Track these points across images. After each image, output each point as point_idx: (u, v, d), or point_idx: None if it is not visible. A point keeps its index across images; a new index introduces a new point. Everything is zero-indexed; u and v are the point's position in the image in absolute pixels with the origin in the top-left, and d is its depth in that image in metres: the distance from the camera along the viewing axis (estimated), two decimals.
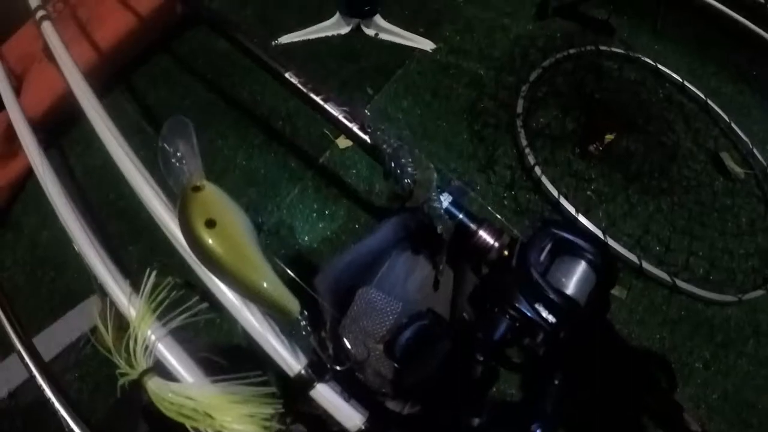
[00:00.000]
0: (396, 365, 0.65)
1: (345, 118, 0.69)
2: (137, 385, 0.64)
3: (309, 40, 1.26)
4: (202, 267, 0.54)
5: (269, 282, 0.52)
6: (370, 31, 1.27)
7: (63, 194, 0.62)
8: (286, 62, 0.76)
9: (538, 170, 1.00)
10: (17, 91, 1.23)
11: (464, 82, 1.14)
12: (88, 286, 1.03)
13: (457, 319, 0.68)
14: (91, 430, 0.57)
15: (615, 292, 0.98)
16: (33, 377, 0.58)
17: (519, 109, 1.06)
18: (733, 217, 1.09)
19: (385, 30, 1.25)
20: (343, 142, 1.06)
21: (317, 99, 0.71)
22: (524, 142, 1.02)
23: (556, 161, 1.06)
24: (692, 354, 0.97)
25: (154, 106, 1.25)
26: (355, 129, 0.69)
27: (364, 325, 0.67)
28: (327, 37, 1.27)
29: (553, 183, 1.02)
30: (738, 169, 1.14)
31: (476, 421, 0.59)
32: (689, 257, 1.02)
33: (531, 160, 1.01)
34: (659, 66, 1.25)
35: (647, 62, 1.25)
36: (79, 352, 0.95)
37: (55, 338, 0.96)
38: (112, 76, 1.24)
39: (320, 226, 1.01)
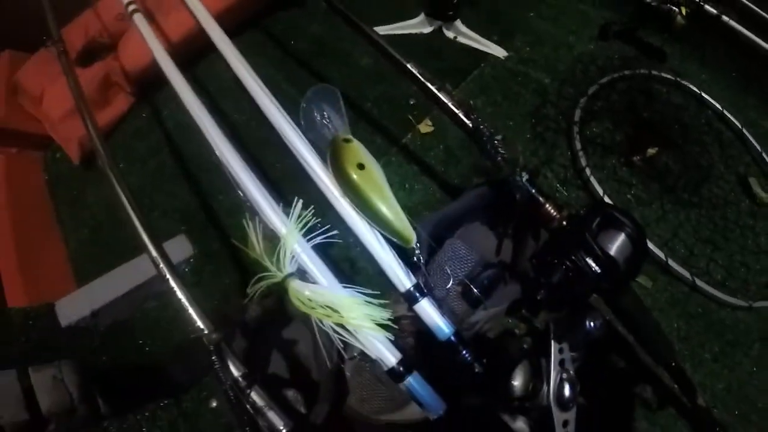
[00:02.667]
0: (469, 304, 0.85)
1: (453, 105, 0.89)
2: (272, 295, 0.83)
3: (394, 35, 1.44)
4: (340, 201, 0.74)
5: (398, 215, 0.71)
6: (450, 34, 1.43)
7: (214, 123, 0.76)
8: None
9: (588, 171, 1.15)
10: (114, 46, 1.41)
11: (531, 88, 1.30)
12: (174, 226, 1.22)
13: (519, 273, 0.87)
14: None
15: (642, 281, 1.16)
16: (164, 276, 0.72)
17: (576, 118, 1.22)
18: (754, 236, 1.23)
19: (463, 34, 1.42)
20: (424, 128, 1.22)
21: (432, 87, 0.90)
22: (578, 146, 1.18)
23: (604, 166, 1.20)
24: (703, 347, 1.12)
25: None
26: (461, 114, 0.88)
27: (448, 268, 0.86)
28: (411, 34, 1.44)
29: (599, 184, 1.17)
30: (763, 194, 1.28)
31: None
32: (709, 263, 1.17)
33: (583, 162, 1.16)
34: (703, 94, 1.38)
35: (693, 89, 1.38)
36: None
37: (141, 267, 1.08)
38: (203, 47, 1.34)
39: (400, 196, 1.14)
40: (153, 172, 1.27)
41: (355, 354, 0.84)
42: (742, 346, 1.13)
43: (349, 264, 1.04)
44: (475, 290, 0.81)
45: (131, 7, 0.94)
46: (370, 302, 0.66)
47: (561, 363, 0.68)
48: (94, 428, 0.94)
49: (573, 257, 0.76)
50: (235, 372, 0.68)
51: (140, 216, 0.79)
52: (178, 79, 0.82)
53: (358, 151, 0.74)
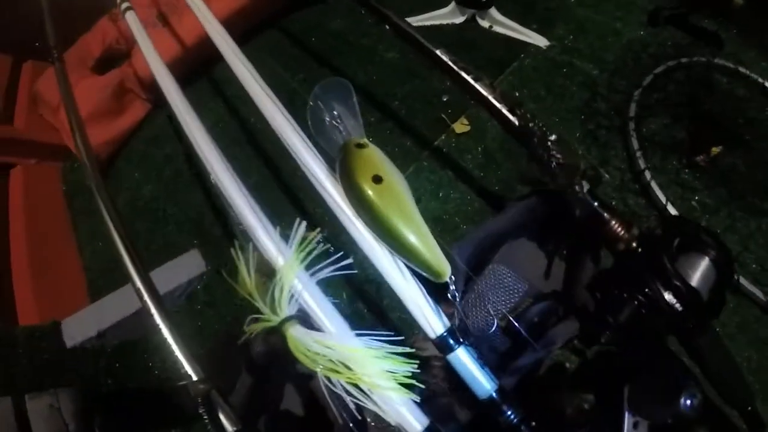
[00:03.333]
0: (514, 342, 0.65)
1: (494, 98, 0.68)
2: (277, 332, 0.65)
3: (423, 26, 1.24)
4: (354, 222, 0.54)
5: (426, 242, 0.52)
6: (484, 23, 1.23)
7: (205, 133, 0.61)
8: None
9: (647, 174, 0.94)
10: (129, 52, 1.27)
11: (577, 81, 1.09)
12: (186, 240, 1.06)
13: (577, 307, 0.67)
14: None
15: None
16: (149, 311, 0.60)
17: (631, 113, 1.00)
18: None
19: (499, 23, 1.21)
20: (460, 128, 1.02)
21: (467, 77, 0.69)
22: (635, 146, 0.96)
23: (664, 169, 0.99)
24: None
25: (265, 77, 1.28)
26: (504, 110, 0.67)
27: (490, 299, 0.66)
28: (441, 24, 1.24)
29: (660, 189, 0.95)
30: None
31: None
32: None
33: (641, 164, 0.95)
34: (767, 83, 1.15)
35: (756, 79, 1.13)
36: (177, 300, 0.96)
37: (158, 279, 1.00)
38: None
39: (433, 205, 0.98)
40: (168, 182, 1.14)
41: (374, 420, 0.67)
42: None
43: (375, 286, 0.85)
44: (523, 327, 0.61)
45: (124, 5, 0.78)
46: (391, 353, 0.47)
47: None
48: None
49: (647, 290, 0.55)
50: (229, 429, 0.50)
51: (127, 243, 0.63)
52: (167, 82, 0.65)
53: (374, 158, 0.54)
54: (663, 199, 0.94)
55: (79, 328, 0.92)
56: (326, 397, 0.58)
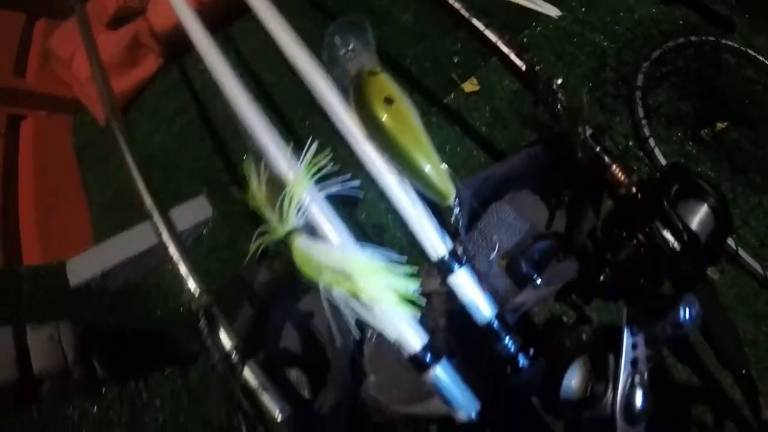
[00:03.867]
0: (515, 282, 0.65)
1: (503, 43, 0.68)
2: (281, 258, 0.65)
3: None
4: (362, 145, 0.55)
5: (434, 163, 0.52)
6: None
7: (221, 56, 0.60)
8: None
9: (652, 142, 0.94)
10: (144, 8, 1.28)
11: (587, 51, 1.09)
12: (195, 188, 1.06)
13: (577, 249, 0.67)
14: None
15: (708, 271, 0.93)
16: (163, 243, 0.59)
17: (638, 83, 1.00)
18: None
19: None
20: (469, 87, 1.03)
21: (478, 24, 0.70)
22: (641, 114, 0.96)
23: (669, 139, 0.99)
24: None
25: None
26: (512, 55, 0.67)
27: (494, 238, 0.66)
28: None
29: (663, 157, 0.95)
30: None
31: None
32: None
33: (646, 132, 0.95)
34: None
35: (765, 62, 1.14)
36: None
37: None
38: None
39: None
40: (179, 133, 1.14)
41: (374, 335, 0.67)
42: None
43: (379, 231, 0.85)
44: (524, 265, 0.61)
45: None
46: (393, 269, 0.47)
47: (633, 362, 0.48)
48: (90, 393, 0.80)
49: (647, 229, 0.55)
50: (227, 344, 0.51)
51: (143, 170, 0.63)
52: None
53: (385, 83, 0.54)
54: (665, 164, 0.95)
55: (84, 267, 0.92)
56: (328, 317, 0.58)
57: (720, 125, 1.03)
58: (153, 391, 0.82)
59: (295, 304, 0.72)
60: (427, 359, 0.49)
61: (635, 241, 0.56)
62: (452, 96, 1.02)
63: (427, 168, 0.51)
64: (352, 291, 0.47)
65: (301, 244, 0.48)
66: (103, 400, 0.81)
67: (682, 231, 0.54)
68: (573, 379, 0.51)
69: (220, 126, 1.09)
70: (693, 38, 1.11)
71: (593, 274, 0.59)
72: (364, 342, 0.68)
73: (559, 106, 0.64)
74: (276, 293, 0.66)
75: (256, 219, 0.99)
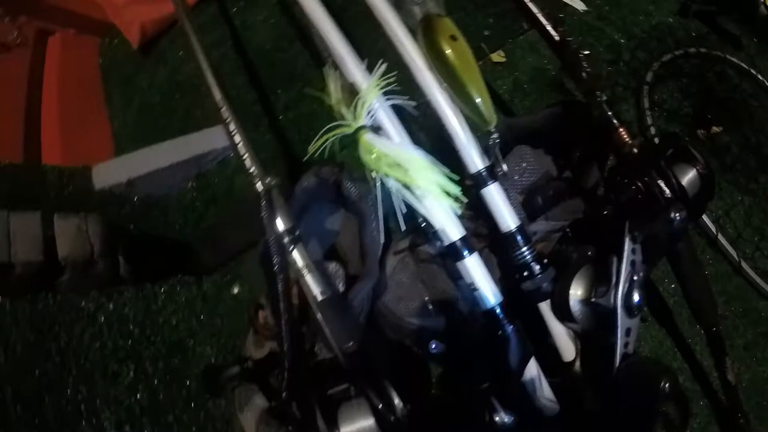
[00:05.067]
0: (529, 214, 0.78)
1: (542, 15, 0.82)
2: (330, 164, 0.75)
3: None
4: (423, 72, 0.67)
5: (484, 93, 0.65)
6: None
7: None
8: None
9: (652, 131, 1.09)
10: None
11: (605, 44, 1.24)
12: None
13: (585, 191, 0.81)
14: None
15: None
16: (227, 120, 0.67)
17: (647, 79, 1.15)
18: None
19: None
20: (496, 57, 1.16)
21: None
22: (646, 105, 1.12)
23: (667, 131, 1.13)
24: (737, 330, 1.05)
25: None
26: (549, 27, 0.82)
27: (515, 176, 0.79)
28: None
29: None
30: None
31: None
32: (756, 251, 1.11)
33: (648, 120, 1.10)
34: None
35: (765, 83, 1.32)
36: (208, 164, 1.03)
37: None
38: None
39: None
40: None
41: (403, 248, 0.78)
42: None
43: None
44: (539, 200, 0.75)
45: None
46: (445, 174, 0.60)
47: (633, 264, 0.61)
48: (110, 287, 0.88)
49: (645, 179, 0.70)
50: (282, 225, 0.61)
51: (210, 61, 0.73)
52: None
53: (450, 24, 0.69)
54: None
55: (110, 173, 0.99)
56: (374, 209, 0.70)
57: (715, 129, 1.20)
58: (169, 295, 0.91)
59: (327, 217, 0.83)
60: (463, 250, 0.61)
61: (634, 188, 0.71)
62: (480, 63, 1.12)
63: (479, 97, 0.65)
64: (406, 182, 0.59)
65: (368, 138, 0.60)
66: (120, 297, 0.88)
67: (674, 184, 0.70)
68: (579, 286, 0.64)
69: (256, 59, 1.17)
70: (703, 49, 1.28)
71: (598, 210, 0.73)
72: (388, 257, 0.79)
73: (583, 73, 0.79)
74: (311, 202, 0.76)
75: (285, 151, 1.09)
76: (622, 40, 1.25)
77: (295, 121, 1.09)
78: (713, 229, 1.05)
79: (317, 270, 0.62)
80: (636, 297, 0.59)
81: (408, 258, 0.77)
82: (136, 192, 0.99)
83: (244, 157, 0.64)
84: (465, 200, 0.61)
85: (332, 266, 0.68)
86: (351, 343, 0.59)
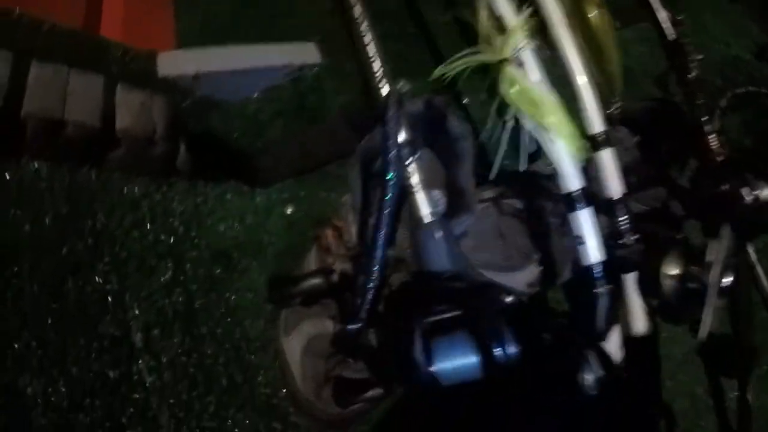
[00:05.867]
0: None
1: (659, 8, 0.87)
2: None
3: None
4: (563, 29, 0.70)
5: (618, 61, 0.69)
6: None
7: None
8: None
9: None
10: None
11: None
12: (304, 35, 1.06)
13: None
14: None
15: None
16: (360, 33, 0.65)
17: (721, 104, 1.22)
18: None
19: None
20: None
21: None
22: (716, 127, 1.17)
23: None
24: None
25: None
26: (667, 23, 0.86)
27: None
28: None
29: None
30: None
31: None
32: None
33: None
34: None
35: None
36: (280, 77, 1.02)
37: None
38: None
39: None
40: None
41: (488, 197, 0.80)
42: None
43: None
44: (635, 179, 0.78)
45: None
46: (576, 127, 0.63)
47: (727, 248, 0.66)
48: (162, 176, 0.85)
49: (730, 183, 0.77)
50: (402, 136, 0.62)
51: None
52: None
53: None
54: None
55: (177, 63, 0.96)
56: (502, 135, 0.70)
57: None
58: (219, 199, 0.88)
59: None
60: (581, 201, 0.64)
61: (720, 189, 0.76)
62: None
63: (613, 64, 0.68)
64: (541, 122, 0.61)
65: (512, 71, 0.62)
66: (170, 190, 0.85)
67: (757, 194, 0.75)
68: (671, 264, 0.68)
69: None
70: (764, 90, 1.37)
71: (683, 201, 0.78)
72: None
73: (692, 75, 0.84)
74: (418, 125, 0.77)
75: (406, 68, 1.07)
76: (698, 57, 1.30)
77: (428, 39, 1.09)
78: (754, 257, 1.12)
79: (428, 190, 0.63)
80: (727, 281, 0.63)
81: (491, 208, 0.79)
82: (200, 89, 0.96)
83: (372, 58, 0.64)
84: (590, 154, 0.63)
85: (435, 193, 0.69)
86: (451, 271, 0.60)
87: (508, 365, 0.52)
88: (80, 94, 0.80)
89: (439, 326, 0.56)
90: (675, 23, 0.88)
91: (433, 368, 0.53)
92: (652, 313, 0.73)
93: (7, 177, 0.74)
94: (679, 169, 0.89)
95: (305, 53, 1.01)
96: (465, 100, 1.07)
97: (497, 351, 0.52)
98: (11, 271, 0.70)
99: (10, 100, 0.73)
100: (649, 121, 0.86)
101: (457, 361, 0.53)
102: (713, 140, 0.84)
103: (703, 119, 0.85)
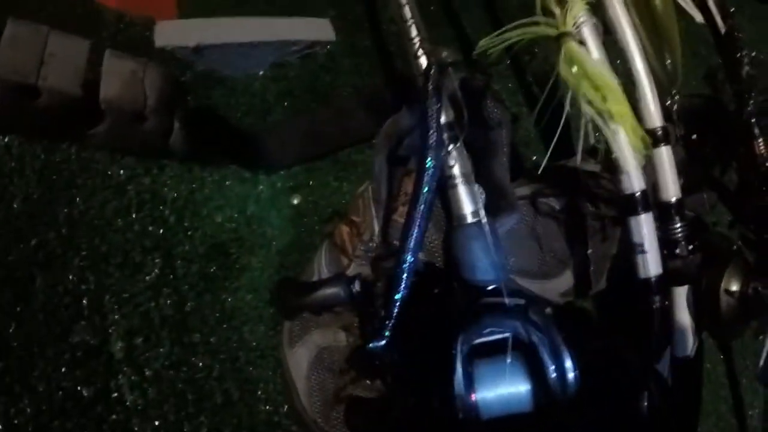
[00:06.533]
0: None
1: (713, 3, 0.81)
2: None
3: None
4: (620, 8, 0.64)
5: (678, 51, 0.64)
6: None
7: None
8: None
9: None
10: None
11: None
12: (319, 11, 0.97)
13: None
14: None
15: None
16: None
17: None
18: None
19: None
20: None
21: None
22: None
23: None
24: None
25: None
26: (718, 17, 0.80)
27: None
28: None
29: None
30: None
31: None
32: None
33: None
34: None
35: None
36: (290, 54, 0.94)
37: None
38: None
39: None
40: None
41: (524, 194, 0.73)
42: None
43: None
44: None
45: None
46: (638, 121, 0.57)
47: None
48: (152, 156, 0.76)
49: None
50: (445, 117, 0.55)
51: None
52: None
53: None
54: None
55: (177, 33, 0.86)
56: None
57: None
58: (218, 186, 0.80)
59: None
60: (642, 203, 0.57)
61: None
62: None
63: (674, 53, 0.62)
64: (602, 110, 0.54)
65: (574, 48, 0.55)
66: (160, 173, 0.77)
67: None
68: (731, 278, 0.62)
69: None
70: None
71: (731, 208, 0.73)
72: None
73: (744, 72, 0.79)
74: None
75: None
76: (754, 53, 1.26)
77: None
78: None
79: (469, 184, 0.56)
80: None
81: (527, 207, 0.72)
82: (201, 62, 0.88)
83: (410, 23, 0.57)
84: (651, 152, 0.57)
85: (476, 187, 0.62)
86: (495, 285, 0.54)
87: (566, 394, 0.45)
88: (60, 58, 0.70)
89: (482, 349, 0.49)
90: (725, 15, 0.83)
91: (475, 397, 0.46)
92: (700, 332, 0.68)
93: None
94: (721, 172, 0.84)
95: (319, 29, 0.93)
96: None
97: (553, 377, 0.45)
98: None
99: None
100: (698, 119, 0.81)
101: (503, 390, 0.47)
102: (762, 144, 0.79)
103: (753, 120, 0.80)
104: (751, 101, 0.78)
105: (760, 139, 0.78)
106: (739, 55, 0.80)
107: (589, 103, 0.54)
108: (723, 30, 0.82)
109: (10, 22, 0.69)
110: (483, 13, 1.05)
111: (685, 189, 0.76)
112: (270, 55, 0.90)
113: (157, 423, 0.63)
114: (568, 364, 0.45)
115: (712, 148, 0.83)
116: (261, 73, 0.90)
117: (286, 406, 0.72)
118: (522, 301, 0.51)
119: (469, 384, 0.47)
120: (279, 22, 0.92)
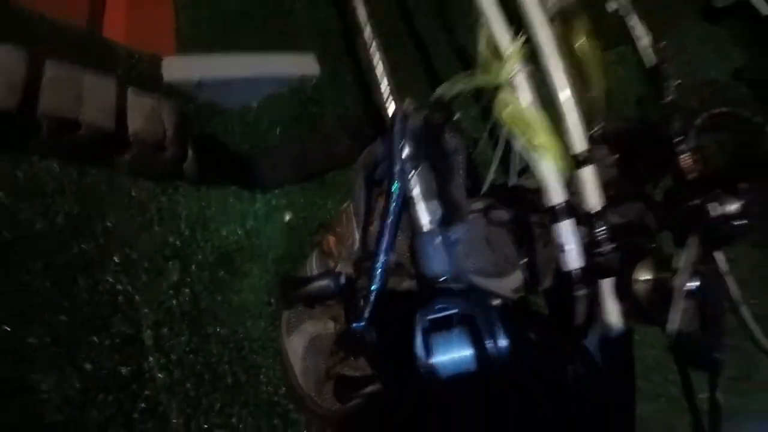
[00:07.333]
0: None
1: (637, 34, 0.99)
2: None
3: None
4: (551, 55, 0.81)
5: (603, 87, 0.80)
6: None
7: None
8: None
9: None
10: None
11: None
12: (304, 44, 1.15)
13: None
14: None
15: None
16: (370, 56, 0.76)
17: (696, 123, 1.37)
18: None
19: None
20: None
21: None
22: (691, 145, 1.33)
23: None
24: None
25: None
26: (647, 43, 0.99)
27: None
28: None
29: None
30: None
31: None
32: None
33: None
34: None
35: None
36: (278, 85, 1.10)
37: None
38: None
39: None
40: None
41: (478, 208, 0.90)
42: None
43: None
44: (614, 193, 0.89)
45: None
46: (563, 148, 0.73)
47: (694, 255, 0.77)
48: (169, 178, 0.93)
49: (703, 197, 0.88)
50: (406, 151, 0.72)
51: None
52: None
53: (587, 23, 0.83)
54: None
55: (182, 69, 1.03)
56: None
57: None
58: (222, 204, 0.96)
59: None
60: (563, 213, 0.74)
61: (690, 203, 0.88)
62: None
63: (599, 86, 0.79)
64: (530, 140, 0.71)
65: (504, 96, 0.72)
66: (175, 193, 0.93)
67: (723, 208, 0.88)
68: (643, 270, 0.79)
69: None
70: (747, 113, 1.52)
71: (657, 214, 0.90)
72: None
73: (667, 100, 0.97)
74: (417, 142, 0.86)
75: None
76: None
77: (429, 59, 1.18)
78: (725, 267, 1.25)
79: (428, 202, 0.73)
80: (695, 282, 0.75)
81: (481, 218, 0.89)
82: (202, 95, 1.04)
83: (381, 76, 0.74)
84: (573, 170, 0.74)
85: (433, 203, 0.79)
86: (445, 277, 0.70)
87: (500, 358, 0.62)
88: (95, 96, 0.85)
89: (437, 323, 0.65)
90: (657, 49, 1.01)
91: (432, 360, 0.62)
92: (627, 316, 0.85)
93: (20, 175, 0.80)
94: (653, 186, 1.01)
95: (305, 64, 1.09)
96: (457, 116, 1.18)
97: (489, 344, 0.62)
98: (25, 269, 0.76)
99: (27, 99, 0.78)
100: (627, 141, 0.98)
101: (453, 354, 0.63)
102: (686, 159, 0.97)
103: (676, 140, 0.97)
104: (674, 123, 0.97)
105: (686, 155, 0.97)
106: (665, 84, 0.99)
107: (519, 137, 0.71)
108: (651, 62, 1.01)
109: (49, 63, 0.84)
110: (451, 57, 1.22)
111: (616, 200, 0.94)
112: (264, 88, 1.07)
113: (180, 398, 0.78)
114: (500, 333, 0.61)
115: (644, 165, 1.01)
116: (255, 104, 1.07)
117: (284, 388, 0.87)
118: (464, 287, 0.67)
119: (428, 350, 0.62)
120: (270, 58, 1.09)
